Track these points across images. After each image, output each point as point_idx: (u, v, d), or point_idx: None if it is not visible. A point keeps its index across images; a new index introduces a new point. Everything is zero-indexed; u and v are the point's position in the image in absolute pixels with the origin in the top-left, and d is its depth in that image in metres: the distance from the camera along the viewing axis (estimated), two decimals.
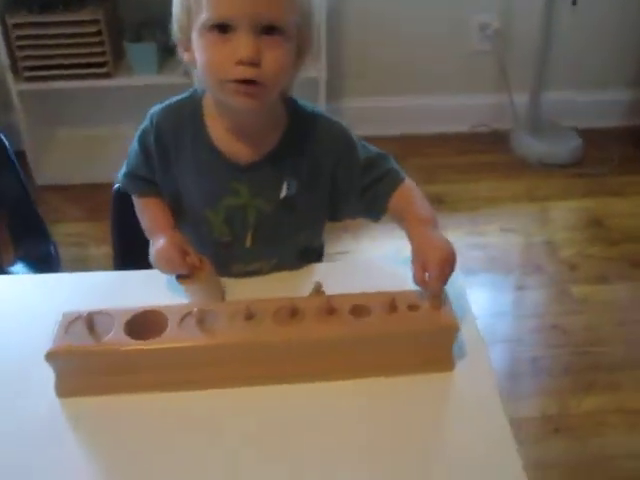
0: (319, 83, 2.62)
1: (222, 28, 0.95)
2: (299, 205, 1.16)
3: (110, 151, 2.61)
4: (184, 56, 1.05)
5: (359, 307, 0.99)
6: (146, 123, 1.14)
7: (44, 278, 1.26)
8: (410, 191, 1.17)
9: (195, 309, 0.98)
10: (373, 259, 1.34)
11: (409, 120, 2.97)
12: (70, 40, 2.44)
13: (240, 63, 0.95)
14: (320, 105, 2.66)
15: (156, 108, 1.15)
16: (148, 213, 1.20)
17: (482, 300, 2.22)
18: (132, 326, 0.98)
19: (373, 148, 1.19)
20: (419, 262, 1.01)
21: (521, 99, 2.90)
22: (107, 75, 2.53)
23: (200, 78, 1.05)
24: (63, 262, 2.33)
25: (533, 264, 2.36)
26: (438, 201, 2.59)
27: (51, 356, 0.95)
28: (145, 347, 0.95)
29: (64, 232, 2.51)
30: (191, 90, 1.14)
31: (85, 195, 2.61)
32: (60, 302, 1.08)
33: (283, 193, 1.13)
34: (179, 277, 1.09)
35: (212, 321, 0.98)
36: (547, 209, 2.62)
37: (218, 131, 1.11)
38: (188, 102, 1.13)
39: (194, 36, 0.99)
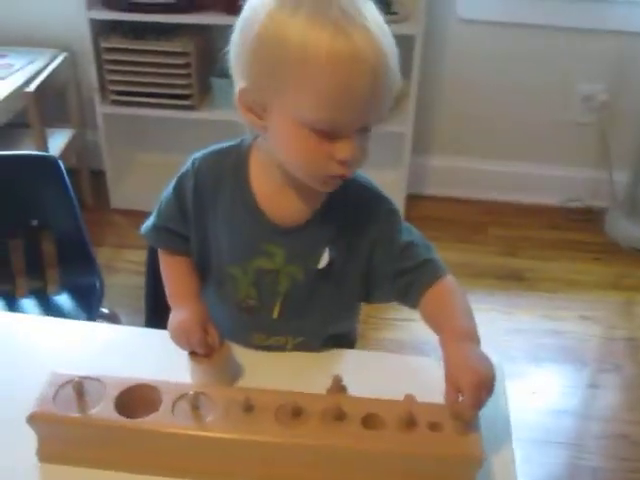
0: (404, 138, 2.53)
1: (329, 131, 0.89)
2: (335, 277, 1.07)
3: None
4: (249, 118, 0.94)
5: (373, 417, 0.88)
6: (187, 167, 1.08)
7: (58, 323, 1.23)
8: (449, 291, 1.04)
9: (191, 392, 0.90)
10: (409, 358, 1.21)
11: (496, 186, 2.85)
12: (159, 69, 2.45)
13: (342, 164, 0.91)
14: (405, 159, 2.57)
15: (199, 153, 1.08)
16: (173, 275, 1.13)
17: (547, 393, 2.04)
18: (124, 398, 0.91)
19: (419, 235, 1.08)
20: (452, 383, 0.89)
21: (621, 177, 2.72)
22: (191, 107, 2.52)
23: (284, 160, 0.96)
24: (121, 288, 2.33)
25: (610, 361, 2.16)
26: (516, 277, 2.43)
27: (33, 419, 0.89)
28: (132, 427, 0.89)
29: (127, 258, 2.50)
30: (239, 140, 1.06)
31: None
32: (65, 352, 1.07)
33: (324, 262, 1.04)
34: (193, 353, 1.01)
35: (207, 408, 0.90)
36: (634, 301, 2.42)
37: (261, 188, 1.03)
38: (234, 152, 1.06)
39: (279, 111, 0.90)
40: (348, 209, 1.04)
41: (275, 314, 1.09)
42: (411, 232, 1.07)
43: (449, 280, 1.05)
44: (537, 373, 2.09)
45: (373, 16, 0.88)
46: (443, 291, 1.04)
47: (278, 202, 1.03)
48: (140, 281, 2.36)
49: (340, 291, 1.09)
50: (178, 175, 1.09)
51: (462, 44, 2.64)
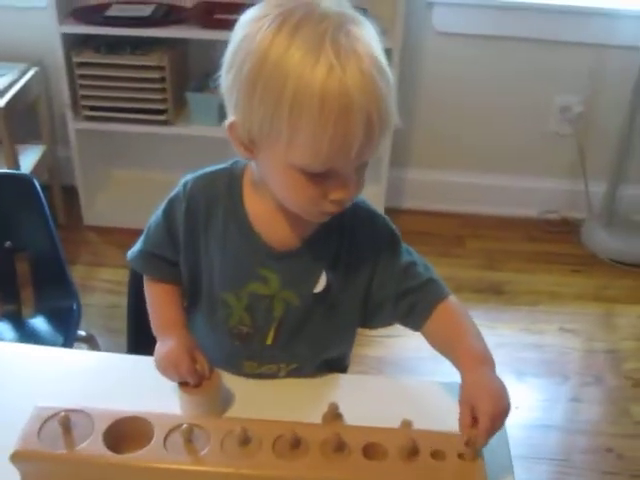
0: (383, 152, 2.51)
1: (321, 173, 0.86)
2: (332, 302, 1.04)
3: (161, 198, 2.53)
4: (239, 150, 0.91)
5: (374, 446, 0.86)
6: (178, 190, 1.03)
7: (37, 350, 1.17)
8: (456, 311, 1.02)
9: (185, 425, 0.86)
10: (402, 382, 1.19)
11: (473, 198, 2.84)
12: (133, 84, 2.40)
13: (337, 203, 0.89)
14: (382, 173, 2.55)
15: (190, 176, 1.04)
16: (158, 304, 1.10)
17: (530, 408, 2.03)
18: (113, 432, 0.88)
19: (417, 255, 1.06)
20: (468, 407, 0.88)
21: (597, 189, 2.72)
22: (166, 122, 2.47)
23: (270, 188, 0.94)
24: (95, 308, 2.28)
25: (592, 374, 2.15)
26: (495, 291, 2.42)
27: (17, 457, 0.85)
28: (123, 462, 0.85)
29: (102, 277, 2.46)
30: (231, 161, 1.03)
31: (130, 241, 2.53)
32: (46, 381, 1.03)
33: (320, 287, 1.01)
34: (182, 383, 0.98)
35: (202, 441, 0.87)
36: (614, 313, 2.41)
37: (255, 210, 1.00)
38: (227, 174, 1.02)
39: (271, 157, 0.88)
40: (345, 231, 1.02)
41: (269, 340, 1.05)
42: (410, 252, 1.05)
43: (453, 300, 1.03)
44: (519, 387, 2.08)
45: (370, 51, 0.83)
46: (450, 312, 1.02)
47: (272, 225, 1.00)
48: (116, 300, 2.33)
49: (337, 316, 1.06)
50: (168, 199, 1.04)
51: (439, 57, 2.63)
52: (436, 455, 0.85)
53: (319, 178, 0.86)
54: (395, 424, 0.93)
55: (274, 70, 0.81)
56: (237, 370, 1.07)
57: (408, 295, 1.02)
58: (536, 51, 2.60)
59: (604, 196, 2.71)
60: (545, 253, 2.68)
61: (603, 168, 2.69)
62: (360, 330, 1.14)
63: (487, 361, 0.94)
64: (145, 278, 1.11)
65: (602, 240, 2.68)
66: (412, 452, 0.84)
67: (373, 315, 1.07)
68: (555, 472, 1.84)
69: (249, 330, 1.05)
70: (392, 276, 1.03)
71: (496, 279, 2.49)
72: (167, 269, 1.08)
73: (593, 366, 2.19)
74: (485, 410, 0.86)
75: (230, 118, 0.90)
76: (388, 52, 2.50)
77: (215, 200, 1.01)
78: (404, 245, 1.05)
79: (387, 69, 0.86)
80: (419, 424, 0.93)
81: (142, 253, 1.09)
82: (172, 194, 1.04)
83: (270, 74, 0.81)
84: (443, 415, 0.92)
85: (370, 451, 0.85)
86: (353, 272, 1.03)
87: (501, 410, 0.87)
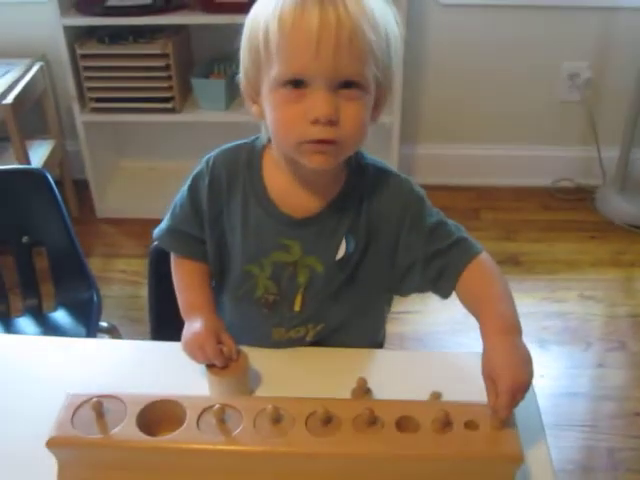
0: (392, 128, 2.50)
1: (296, 84, 0.87)
2: (356, 268, 1.04)
3: (172, 187, 2.51)
4: (252, 109, 0.97)
5: (406, 419, 0.85)
6: (200, 167, 1.06)
7: (64, 342, 1.17)
8: (486, 271, 1.00)
9: (217, 405, 0.86)
10: (430, 355, 1.19)
11: (486, 171, 2.82)
12: (138, 73, 2.40)
13: (316, 122, 0.87)
14: (393, 149, 2.54)
15: (212, 152, 1.06)
16: (185, 286, 1.10)
17: (555, 377, 2.02)
18: (146, 416, 0.87)
19: (444, 216, 1.04)
20: (490, 377, 0.87)
21: (610, 154, 2.70)
22: (173, 110, 2.46)
23: (272, 136, 0.96)
24: (114, 299, 2.28)
25: (615, 339, 2.14)
26: (514, 262, 2.41)
27: (52, 444, 0.85)
28: (158, 445, 0.85)
29: (119, 268, 2.46)
30: (254, 137, 1.04)
31: (144, 230, 2.53)
32: (75, 370, 1.03)
33: (341, 253, 1.02)
34: (209, 365, 0.98)
35: (234, 421, 0.86)
36: (634, 277, 2.40)
37: (275, 182, 1.02)
38: (248, 148, 1.04)
39: (264, 90, 0.92)
40: (367, 194, 1.01)
41: (297, 307, 1.06)
42: (438, 213, 1.03)
43: (485, 258, 1.00)
44: (543, 356, 2.07)
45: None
46: (481, 271, 1.00)
47: (291, 194, 1.01)
48: (134, 290, 2.34)
49: (362, 281, 1.06)
50: (192, 176, 1.06)
51: (444, 29, 2.60)
52: (469, 426, 0.84)
53: (298, 96, 0.87)
54: (423, 397, 0.93)
55: (254, 14, 0.91)
56: (266, 339, 1.08)
57: (437, 257, 1.00)
58: (541, 18, 2.56)
59: (617, 161, 2.68)
60: (561, 221, 2.66)
61: (615, 133, 2.66)
62: None
63: (511, 329, 0.91)
64: (172, 257, 1.12)
65: (617, 205, 2.66)
66: (445, 424, 0.83)
67: (402, 281, 1.06)
68: (585, 439, 1.83)
69: (276, 297, 1.06)
70: (418, 238, 1.01)
71: (514, 250, 2.47)
72: (194, 246, 1.08)
73: (616, 331, 2.18)
74: (503, 386, 0.84)
75: (241, 79, 0.96)
76: None
77: (235, 173, 1.03)
78: (431, 207, 1.03)
79: (377, 7, 0.90)
80: (447, 396, 0.93)
81: (169, 230, 1.10)
82: (195, 170, 1.06)
83: (251, 18, 0.92)
84: (471, 386, 0.90)
85: (403, 425, 0.84)
86: (375, 237, 1.03)
87: (520, 384, 0.85)
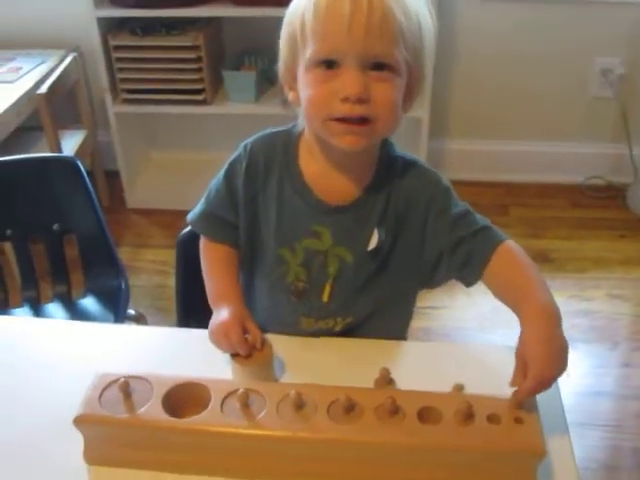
0: (422, 122, 2.50)
1: (329, 64, 0.91)
2: (386, 260, 1.05)
3: (201, 178, 2.52)
4: (289, 95, 1.00)
5: (428, 410, 0.85)
6: (238, 152, 1.08)
7: (93, 327, 1.19)
8: (517, 258, 0.98)
9: (241, 390, 0.87)
10: (454, 348, 1.19)
11: (516, 167, 2.80)
12: (169, 65, 2.42)
13: (346, 100, 0.90)
14: (422, 144, 2.53)
15: (249, 139, 1.09)
16: (214, 273, 1.11)
17: (581, 375, 2.01)
18: (171, 397, 0.89)
19: (471, 208, 1.04)
20: (522, 364, 0.87)
21: None
22: (203, 102, 2.48)
23: (304, 116, 0.98)
24: (142, 288, 2.31)
25: None
26: (542, 259, 2.40)
27: (79, 421, 0.87)
28: (182, 426, 0.86)
29: (148, 258, 2.48)
30: (291, 125, 1.07)
31: (173, 221, 2.57)
32: (102, 355, 1.05)
33: (373, 244, 1.03)
34: (234, 354, 0.99)
35: (258, 405, 0.87)
36: None
37: (310, 168, 1.04)
38: (284, 134, 1.07)
39: (300, 73, 0.95)
40: (395, 186, 1.03)
41: (325, 297, 1.07)
42: (465, 204, 1.04)
43: (512, 245, 1.00)
44: (570, 355, 2.04)
45: None
46: (511, 256, 0.99)
47: (324, 181, 1.03)
48: (162, 280, 2.36)
49: (392, 274, 1.07)
50: (229, 161, 1.09)
51: (476, 23, 2.59)
52: (492, 419, 0.83)
53: (330, 72, 0.90)
54: (446, 389, 0.93)
55: (295, 7, 0.94)
56: (294, 327, 1.09)
57: (462, 244, 1.00)
58: (574, 14, 2.54)
59: None
60: (591, 219, 2.64)
61: None
62: None
63: (551, 315, 0.89)
64: (202, 243, 1.13)
65: None
66: (468, 416, 0.83)
67: (432, 272, 1.06)
68: (609, 438, 1.82)
69: (305, 285, 1.07)
70: (444, 227, 1.02)
71: (542, 247, 2.46)
72: (227, 231, 1.10)
73: None
74: (534, 373, 0.84)
75: (279, 68, 0.99)
76: None
77: (272, 158, 1.05)
78: (458, 199, 1.04)
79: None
80: (470, 388, 0.93)
81: (203, 214, 1.11)
82: (232, 157, 1.08)
83: (289, 9, 0.95)
84: (494, 379, 0.90)
85: (425, 415, 0.84)
86: (403, 228, 1.04)
87: (552, 374, 0.85)
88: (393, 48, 0.90)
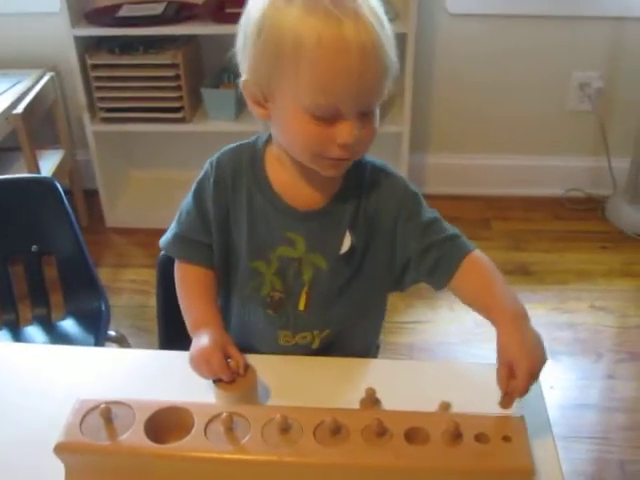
0: (403, 136, 2.50)
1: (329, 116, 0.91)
2: (359, 265, 1.07)
3: (182, 197, 2.52)
4: (256, 111, 0.98)
5: (416, 431, 0.84)
6: (205, 169, 1.08)
7: (73, 351, 1.18)
8: (485, 266, 1.02)
9: (224, 413, 0.85)
10: (438, 366, 1.18)
11: (495, 180, 2.81)
12: (148, 83, 2.41)
13: (342, 147, 0.92)
14: (403, 159, 2.54)
15: (214, 155, 1.09)
16: (191, 300, 1.10)
17: (566, 388, 2.00)
18: (154, 423, 0.87)
19: (439, 216, 1.07)
20: (506, 364, 0.90)
21: (621, 164, 2.68)
22: (182, 120, 2.47)
23: (286, 145, 0.99)
24: (123, 309, 2.28)
25: (626, 350, 2.12)
26: (524, 271, 2.40)
27: (60, 449, 0.85)
28: (165, 452, 0.85)
29: (129, 278, 2.46)
30: (254, 137, 1.08)
31: (153, 240, 2.53)
32: (83, 378, 1.04)
33: (345, 247, 1.04)
34: (217, 380, 0.97)
35: (242, 429, 0.86)
36: None
37: (279, 177, 1.04)
38: (249, 146, 1.07)
39: (282, 99, 0.93)
40: (365, 191, 1.04)
41: (301, 306, 1.08)
42: (434, 212, 1.06)
43: (480, 255, 1.03)
44: (553, 367, 2.05)
45: (367, 2, 0.89)
46: (478, 264, 1.02)
47: (294, 188, 1.04)
48: (143, 300, 2.34)
49: (365, 279, 1.08)
50: (197, 181, 1.08)
51: (453, 39, 2.60)
52: (480, 438, 0.83)
53: (326, 123, 0.90)
54: (432, 407, 0.92)
55: (276, 19, 0.88)
56: (272, 343, 1.09)
57: (432, 249, 1.03)
58: (551, 28, 2.56)
59: (628, 171, 2.67)
60: (571, 231, 2.65)
61: (625, 143, 2.65)
62: (389, 317, 1.14)
63: (522, 316, 0.94)
64: (177, 266, 1.12)
65: (628, 215, 2.65)
66: (455, 436, 0.83)
67: (402, 275, 1.08)
68: (595, 450, 1.81)
69: (281, 295, 1.07)
70: (414, 232, 1.04)
71: (524, 260, 2.46)
72: (202, 251, 1.09)
73: (626, 342, 2.16)
74: (523, 369, 0.87)
75: (243, 77, 0.95)
76: (402, 37, 2.50)
77: (239, 171, 1.05)
78: (427, 206, 1.06)
79: (385, 19, 0.91)
80: (457, 407, 0.92)
81: (176, 237, 1.10)
82: (200, 175, 1.08)
83: (272, 23, 0.88)
84: (480, 396, 0.91)
85: (412, 436, 0.83)
86: (373, 233, 1.05)
87: (538, 366, 0.89)
88: (384, 89, 0.92)
